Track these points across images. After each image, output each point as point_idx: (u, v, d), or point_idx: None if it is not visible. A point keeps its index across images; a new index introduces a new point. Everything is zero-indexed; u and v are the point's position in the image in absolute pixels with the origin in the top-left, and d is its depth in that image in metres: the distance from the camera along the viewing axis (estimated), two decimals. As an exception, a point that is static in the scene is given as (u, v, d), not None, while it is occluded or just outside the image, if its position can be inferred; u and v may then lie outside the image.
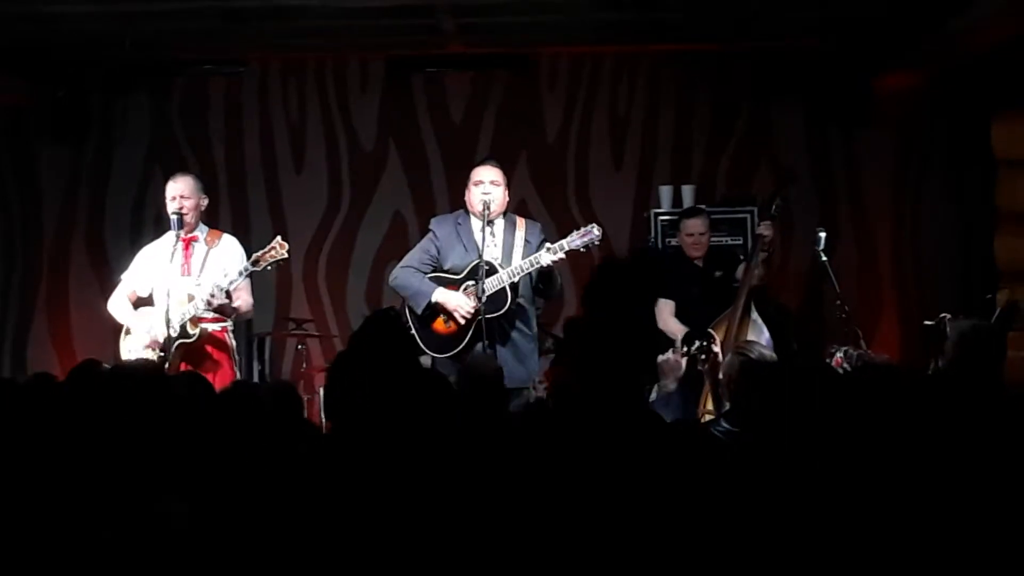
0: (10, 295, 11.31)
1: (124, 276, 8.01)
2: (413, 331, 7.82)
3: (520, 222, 8.01)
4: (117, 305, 7.94)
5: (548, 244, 7.71)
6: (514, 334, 7.75)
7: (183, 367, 7.50)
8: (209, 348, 7.73)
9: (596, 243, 7.78)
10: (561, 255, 7.64)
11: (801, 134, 11.09)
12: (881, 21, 9.50)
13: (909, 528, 3.87)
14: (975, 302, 9.49)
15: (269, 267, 7.71)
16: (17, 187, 11.32)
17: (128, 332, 7.81)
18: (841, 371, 7.25)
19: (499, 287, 7.65)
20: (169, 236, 7.84)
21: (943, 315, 8.33)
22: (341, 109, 11.27)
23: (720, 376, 7.49)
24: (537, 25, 9.94)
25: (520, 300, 7.78)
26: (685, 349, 7.78)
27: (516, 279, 7.68)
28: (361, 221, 11.22)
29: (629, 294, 10.45)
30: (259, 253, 7.67)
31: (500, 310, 7.62)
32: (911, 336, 10.45)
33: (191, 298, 7.56)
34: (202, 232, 7.89)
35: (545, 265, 7.63)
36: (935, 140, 10.92)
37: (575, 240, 7.70)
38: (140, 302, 7.93)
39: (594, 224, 7.78)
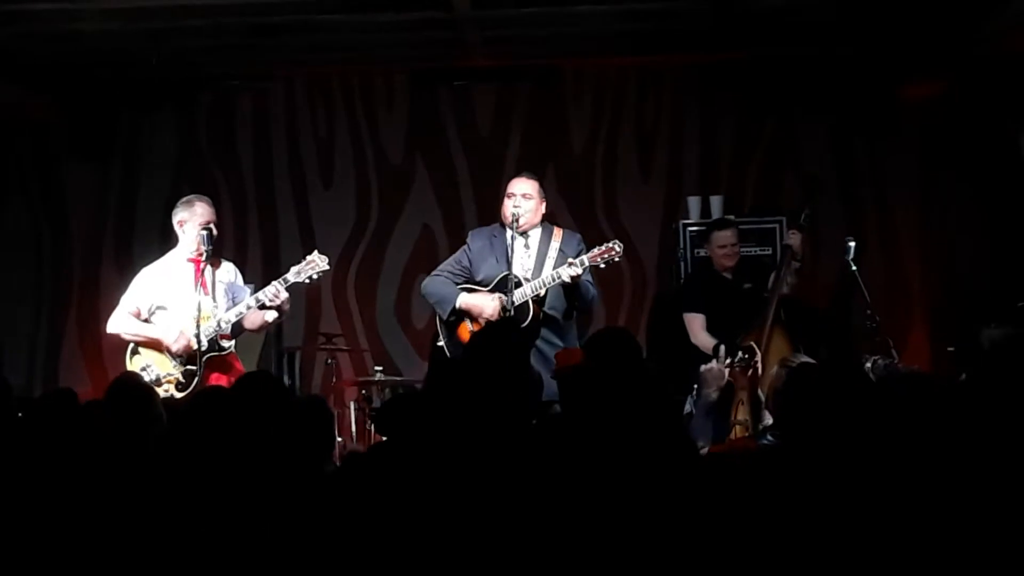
0: (41, 313, 11.35)
1: (125, 298, 7.91)
2: (442, 341, 7.91)
3: (557, 232, 8.05)
4: (126, 323, 7.84)
5: (570, 259, 7.73)
6: (544, 347, 7.73)
7: (214, 377, 7.61)
8: (232, 360, 7.84)
9: (617, 259, 7.80)
10: (579, 270, 7.66)
11: (827, 144, 11.06)
12: (906, 30, 9.47)
13: (949, 538, 3.86)
14: (1005, 311, 9.44)
15: (308, 279, 7.77)
16: (45, 205, 11.36)
17: (136, 352, 7.80)
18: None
19: (523, 300, 7.69)
20: (172, 256, 7.92)
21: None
22: (368, 123, 11.29)
23: (763, 388, 7.52)
24: (562, 37, 9.94)
25: (551, 312, 7.81)
26: (729, 360, 7.78)
27: (540, 292, 7.72)
28: (390, 235, 11.23)
29: (658, 307, 10.50)
30: (299, 266, 7.75)
31: (523, 323, 7.64)
32: (941, 345, 10.39)
33: (211, 316, 7.66)
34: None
35: (566, 279, 7.66)
36: (962, 149, 10.84)
37: (596, 256, 7.73)
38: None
39: (616, 240, 7.83)
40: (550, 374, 7.41)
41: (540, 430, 5.31)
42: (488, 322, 7.71)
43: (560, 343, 7.83)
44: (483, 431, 4.57)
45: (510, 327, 7.11)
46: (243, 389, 5.20)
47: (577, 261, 7.68)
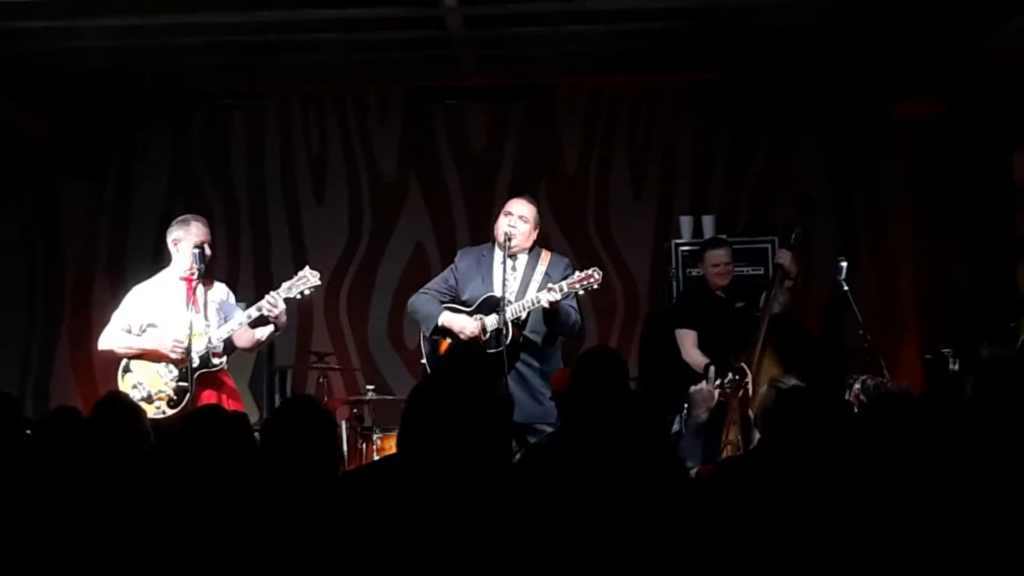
0: (33, 328, 11.34)
1: (116, 315, 7.92)
2: (424, 359, 7.93)
3: (545, 256, 8.02)
4: (118, 339, 7.84)
5: (550, 284, 7.71)
6: (524, 370, 7.73)
7: (206, 395, 7.62)
8: (224, 377, 7.85)
9: (596, 287, 7.76)
10: (558, 296, 7.62)
11: (821, 162, 11.07)
12: (902, 49, 9.49)
13: (938, 557, 3.87)
14: (998, 330, 9.45)
15: (300, 295, 7.77)
16: (39, 220, 11.36)
17: (128, 369, 7.79)
18: (858, 402, 7.25)
19: (504, 322, 7.66)
20: (165, 274, 7.93)
21: (945, 350, 8.31)
22: (362, 141, 11.29)
23: (752, 408, 7.51)
24: (555, 56, 9.96)
25: (532, 336, 7.78)
26: (719, 381, 7.78)
27: (520, 315, 7.70)
28: (382, 253, 11.23)
29: (650, 326, 10.50)
30: (291, 281, 7.76)
31: (501, 346, 7.60)
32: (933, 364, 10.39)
33: (203, 334, 7.65)
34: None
35: (545, 304, 7.63)
36: (956, 168, 10.84)
37: (575, 282, 7.69)
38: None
39: (596, 268, 7.75)
40: (530, 396, 7.44)
41: (532, 451, 5.31)
42: (451, 345, 7.72)
43: (540, 366, 7.82)
44: (453, 453, 4.55)
45: (471, 350, 7.12)
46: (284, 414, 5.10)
47: (556, 287, 7.64)
